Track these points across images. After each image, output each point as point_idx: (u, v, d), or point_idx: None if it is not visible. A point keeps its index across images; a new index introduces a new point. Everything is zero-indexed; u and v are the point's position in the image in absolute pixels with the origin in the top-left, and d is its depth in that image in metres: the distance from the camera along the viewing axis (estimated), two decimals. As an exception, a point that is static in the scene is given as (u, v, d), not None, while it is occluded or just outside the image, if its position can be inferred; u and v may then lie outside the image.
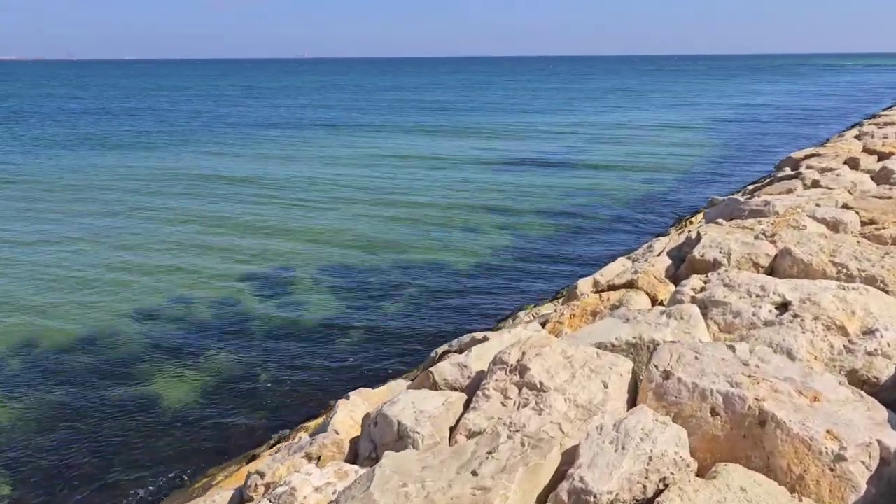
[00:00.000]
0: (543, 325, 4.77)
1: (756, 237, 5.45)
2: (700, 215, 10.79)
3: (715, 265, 5.02)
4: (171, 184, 20.55)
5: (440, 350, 6.09)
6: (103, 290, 11.52)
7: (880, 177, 8.68)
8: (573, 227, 14.79)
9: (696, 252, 5.16)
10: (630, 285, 4.97)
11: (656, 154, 24.89)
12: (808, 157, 10.38)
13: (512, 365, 3.30)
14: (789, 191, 8.21)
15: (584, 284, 6.21)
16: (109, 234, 14.88)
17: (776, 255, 5.06)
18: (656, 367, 3.17)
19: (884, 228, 5.76)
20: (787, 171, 9.85)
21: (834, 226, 6.25)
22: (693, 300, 4.40)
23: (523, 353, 3.34)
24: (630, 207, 16.63)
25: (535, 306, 8.02)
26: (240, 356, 9.14)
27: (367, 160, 24.21)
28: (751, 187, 10.27)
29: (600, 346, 3.60)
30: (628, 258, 7.08)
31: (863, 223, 6.48)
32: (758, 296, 4.11)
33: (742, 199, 7.04)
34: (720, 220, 6.20)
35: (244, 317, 10.49)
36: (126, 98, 64.27)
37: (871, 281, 4.52)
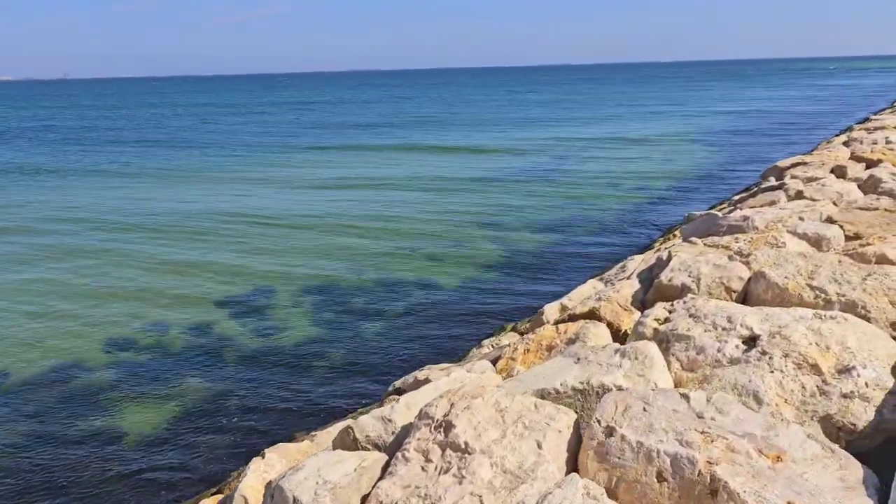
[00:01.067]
0: (495, 361, 4.38)
1: (730, 257, 5.06)
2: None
3: (683, 291, 4.63)
4: (146, 202, 20.21)
5: (395, 385, 5.70)
6: (68, 317, 11.12)
7: (868, 186, 8.31)
8: (560, 242, 14.40)
9: (664, 276, 4.77)
10: (591, 315, 4.58)
11: (650, 161, 24.59)
12: (793, 165, 10.02)
13: (437, 420, 2.90)
14: (772, 203, 7.84)
15: (551, 310, 5.82)
16: (75, 256, 14.49)
17: (750, 279, 4.67)
18: (598, 421, 2.77)
19: (868, 245, 5.37)
20: (772, 181, 9.48)
21: (816, 242, 5.87)
22: (655, 333, 4.00)
23: (451, 406, 2.94)
24: (621, 219, 16.24)
25: (501, 332, 7.62)
26: (207, 388, 8.73)
27: (337, 182, 23.78)
28: (737, 197, 9.90)
29: (543, 393, 3.20)
30: (600, 279, 6.69)
31: (847, 237, 6.10)
32: (724, 329, 3.71)
33: (720, 214, 6.67)
34: (694, 239, 5.82)
35: (215, 343, 10.09)
36: (81, 118, 64.06)
37: (850, 307, 4.12)
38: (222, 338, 10.26)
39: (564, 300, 5.89)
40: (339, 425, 4.68)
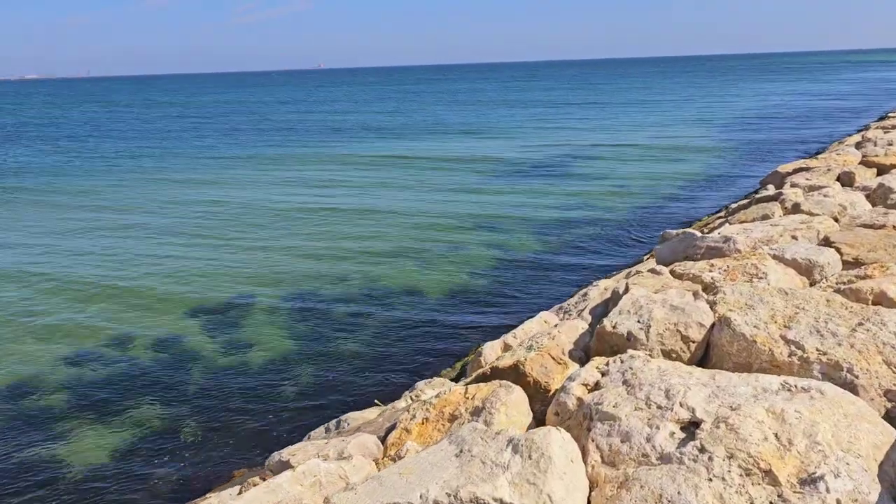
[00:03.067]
0: (392, 428, 3.54)
1: (695, 294, 4.17)
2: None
3: (630, 341, 3.76)
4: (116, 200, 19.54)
5: (313, 433, 4.91)
6: (24, 329, 10.44)
7: (877, 196, 7.36)
8: (554, 249, 13.45)
9: (608, 321, 3.90)
10: (515, 370, 3.72)
11: (657, 162, 23.50)
12: (796, 171, 9.05)
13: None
14: (765, 217, 6.92)
15: (490, 351, 4.98)
16: (37, 255, 13.85)
17: (713, 325, 3.79)
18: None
19: (866, 278, 4.46)
20: (771, 189, 8.53)
21: (807, 270, 4.96)
22: (579, 404, 3.15)
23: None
24: (621, 226, 15.22)
25: (445, 371, 6.76)
26: (172, 407, 8.00)
27: (322, 180, 22.96)
28: (734, 205, 8.96)
29: (392, 512, 2.36)
30: (559, 309, 5.82)
31: (845, 263, 5.19)
32: (659, 407, 2.85)
33: (698, 233, 5.76)
34: (658, 268, 4.93)
35: (184, 356, 9.34)
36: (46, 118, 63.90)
37: (833, 369, 3.24)
38: (187, 352, 9.51)
39: (508, 337, 5.04)
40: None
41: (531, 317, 5.67)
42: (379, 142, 33.04)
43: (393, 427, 3.53)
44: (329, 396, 8.18)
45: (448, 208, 17.30)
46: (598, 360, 3.48)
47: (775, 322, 3.67)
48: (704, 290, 4.69)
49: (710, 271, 4.89)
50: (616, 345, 3.82)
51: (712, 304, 4.00)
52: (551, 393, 3.63)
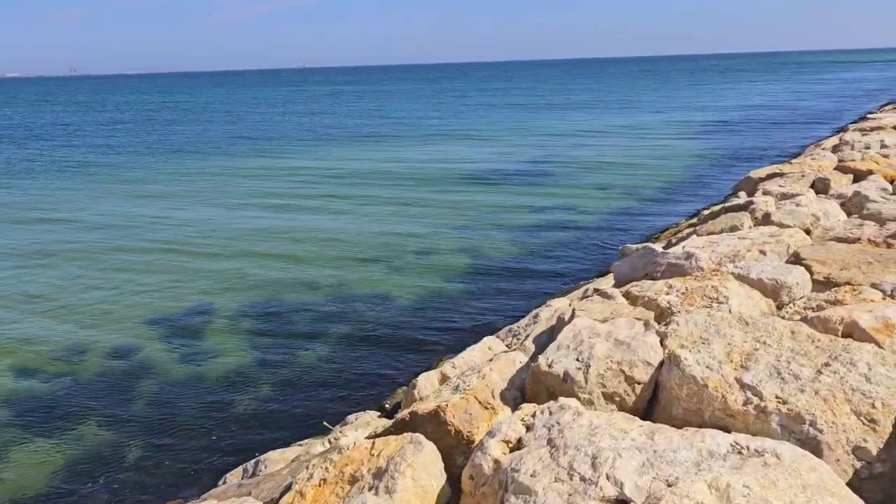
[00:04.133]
0: (289, 488, 3.03)
1: (646, 324, 3.71)
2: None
3: (567, 383, 3.28)
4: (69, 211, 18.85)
5: (230, 475, 4.41)
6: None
7: (852, 205, 6.96)
8: (526, 255, 12.95)
9: (544, 359, 3.42)
10: (434, 417, 3.24)
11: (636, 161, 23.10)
12: (769, 176, 8.64)
13: None
14: (734, 228, 6.48)
15: (426, 382, 4.50)
16: None
17: (661, 364, 3.33)
18: None
19: (836, 304, 4.01)
20: (742, 196, 8.11)
21: (773, 292, 4.52)
22: (496, 468, 2.66)
23: None
24: (601, 228, 14.73)
25: (401, 390, 6.24)
26: (110, 428, 7.44)
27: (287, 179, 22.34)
28: (707, 212, 8.53)
29: None
30: (509, 330, 5.35)
31: (816, 283, 4.75)
32: (583, 479, 2.37)
33: (658, 248, 5.30)
34: (609, 290, 4.47)
35: (129, 374, 8.75)
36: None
37: (795, 422, 2.79)
38: (132, 370, 8.92)
39: (447, 367, 4.56)
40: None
41: (501, 330, 5.20)
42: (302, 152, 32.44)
43: (289, 487, 3.03)
44: (280, 417, 7.64)
45: (406, 220, 16.73)
46: (525, 410, 3.00)
47: (731, 361, 3.22)
48: (659, 317, 4.24)
49: (668, 294, 4.43)
50: (552, 386, 3.34)
51: (664, 337, 3.54)
52: (476, 444, 3.15)
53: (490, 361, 3.83)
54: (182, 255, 13.81)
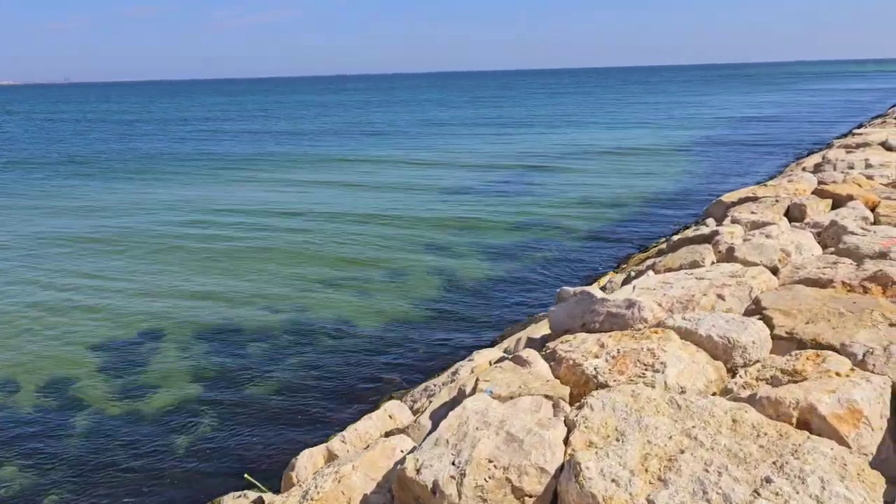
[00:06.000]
0: None
1: (555, 408, 2.97)
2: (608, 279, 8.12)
3: (436, 497, 2.54)
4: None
5: None
6: None
7: (828, 236, 6.25)
8: (503, 272, 12.17)
9: (412, 460, 2.67)
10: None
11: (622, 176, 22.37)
12: (741, 201, 7.93)
13: None
14: (693, 264, 5.76)
15: (308, 462, 3.77)
16: None
17: (559, 471, 2.58)
18: None
19: (795, 375, 3.29)
20: (710, 224, 7.38)
21: (725, 352, 3.79)
22: None
23: None
24: (572, 251, 13.96)
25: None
26: (42, 466, 6.65)
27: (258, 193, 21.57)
28: (676, 237, 7.78)
29: None
30: (425, 390, 4.60)
31: (776, 339, 4.02)
32: None
33: (598, 294, 4.57)
34: (524, 354, 3.72)
35: (68, 404, 7.96)
36: None
37: (717, 574, 2.04)
38: (71, 400, 8.11)
39: (335, 442, 3.81)
40: None
41: (427, 384, 4.42)
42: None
43: None
44: (218, 461, 6.84)
45: (383, 231, 15.98)
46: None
47: (646, 471, 2.48)
48: (584, 387, 3.50)
49: (597, 357, 3.69)
50: (420, 497, 2.59)
51: (572, 427, 2.80)
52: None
53: (365, 450, 3.08)
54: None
